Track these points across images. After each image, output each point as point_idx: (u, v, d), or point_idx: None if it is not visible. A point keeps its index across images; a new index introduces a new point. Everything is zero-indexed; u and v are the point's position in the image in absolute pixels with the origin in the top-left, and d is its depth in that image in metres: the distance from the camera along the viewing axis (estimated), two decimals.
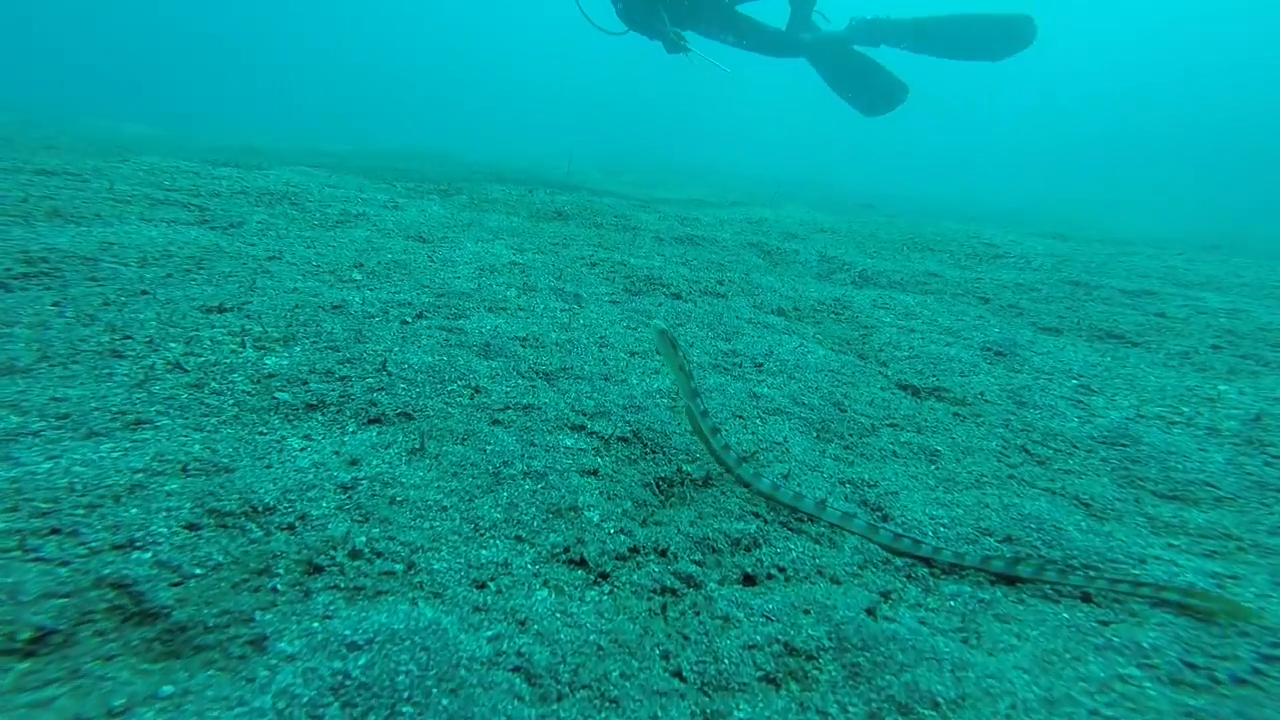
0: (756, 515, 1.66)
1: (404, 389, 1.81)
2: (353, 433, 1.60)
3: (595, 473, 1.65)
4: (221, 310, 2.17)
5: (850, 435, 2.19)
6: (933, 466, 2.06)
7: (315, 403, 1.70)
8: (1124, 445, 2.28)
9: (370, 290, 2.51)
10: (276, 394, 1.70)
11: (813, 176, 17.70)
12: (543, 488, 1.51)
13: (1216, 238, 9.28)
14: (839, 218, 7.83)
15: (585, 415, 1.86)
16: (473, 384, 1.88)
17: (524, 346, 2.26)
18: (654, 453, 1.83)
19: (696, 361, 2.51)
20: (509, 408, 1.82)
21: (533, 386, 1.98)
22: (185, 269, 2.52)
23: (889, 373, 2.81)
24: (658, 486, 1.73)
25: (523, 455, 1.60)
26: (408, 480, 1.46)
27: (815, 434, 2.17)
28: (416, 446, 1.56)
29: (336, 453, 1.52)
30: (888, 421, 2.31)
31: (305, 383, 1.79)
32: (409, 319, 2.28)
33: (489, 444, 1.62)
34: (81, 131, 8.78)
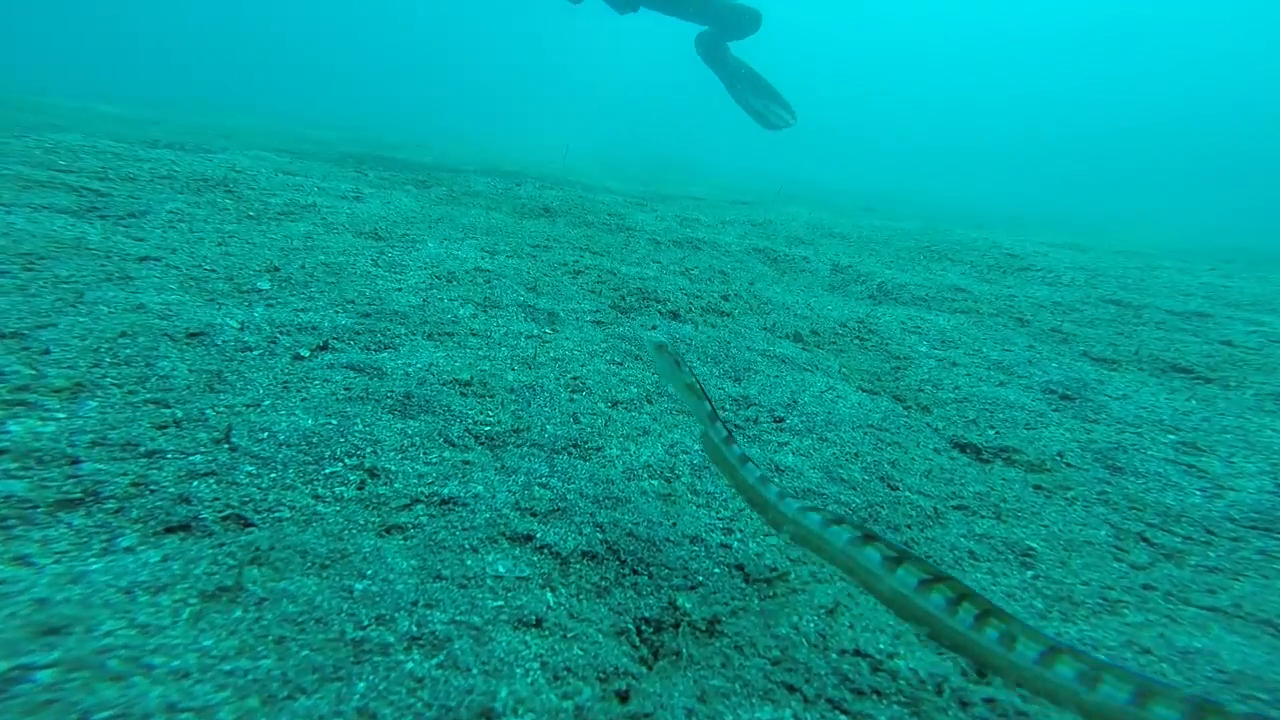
0: (791, 689, 1.03)
1: (249, 475, 1.12)
2: (124, 550, 0.92)
3: (539, 623, 1.00)
4: None
5: (908, 526, 1.56)
6: (1030, 574, 1.44)
7: (77, 496, 1.02)
8: None
9: (269, 307, 1.82)
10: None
11: (805, 175, 17.03)
12: (439, 667, 0.86)
13: (1227, 250, 8.71)
14: (845, 220, 7.17)
15: (535, 515, 1.21)
16: (367, 464, 1.22)
17: (464, 395, 1.60)
18: (634, 574, 1.19)
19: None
20: (418, 503, 1.16)
21: (464, 464, 1.32)
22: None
23: (937, 423, 2.17)
24: (639, 635, 1.09)
25: (417, 599, 0.95)
26: (177, 656, 0.78)
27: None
28: (227, 584, 0.89)
29: (54, 594, 0.84)
30: (954, 503, 1.68)
31: (74, 461, 1.09)
32: (305, 352, 1.60)
33: (364, 576, 0.96)
34: (39, 109, 7.95)
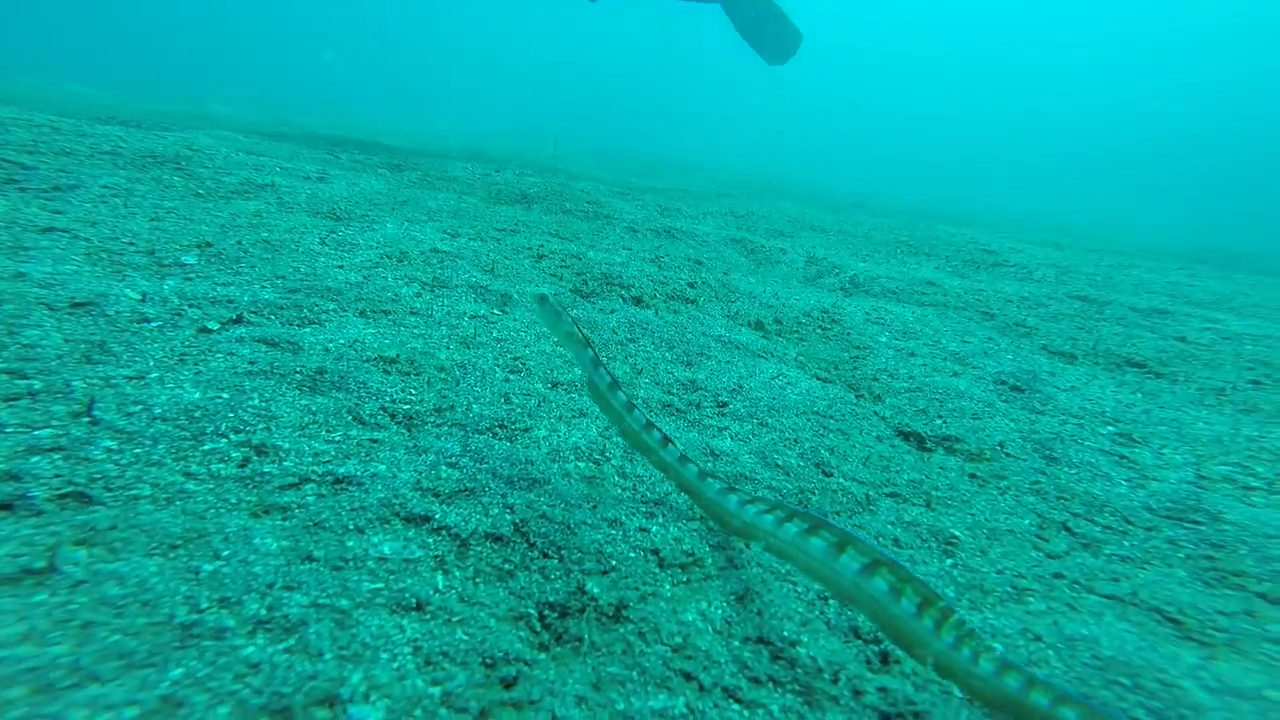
0: (688, 676, 1.00)
1: (107, 450, 1.05)
2: None
3: (420, 607, 0.95)
4: None
5: (837, 512, 1.53)
6: (950, 563, 1.42)
7: None
8: (1196, 522, 1.66)
9: (186, 280, 1.73)
10: None
11: (803, 175, 16.95)
12: (286, 653, 0.80)
13: (1202, 251, 8.81)
14: (830, 215, 7.13)
15: (438, 496, 1.16)
16: (255, 440, 1.15)
17: (388, 372, 1.53)
18: (544, 557, 1.15)
19: (643, 397, 1.82)
20: (307, 482, 1.09)
21: (371, 442, 1.26)
22: None
23: (886, 413, 2.15)
24: (541, 620, 1.05)
25: (275, 581, 0.89)
26: None
27: (788, 512, 1.50)
28: (35, 567, 0.81)
29: None
30: (887, 490, 1.66)
31: None
32: (214, 325, 1.52)
33: (219, 558, 0.90)
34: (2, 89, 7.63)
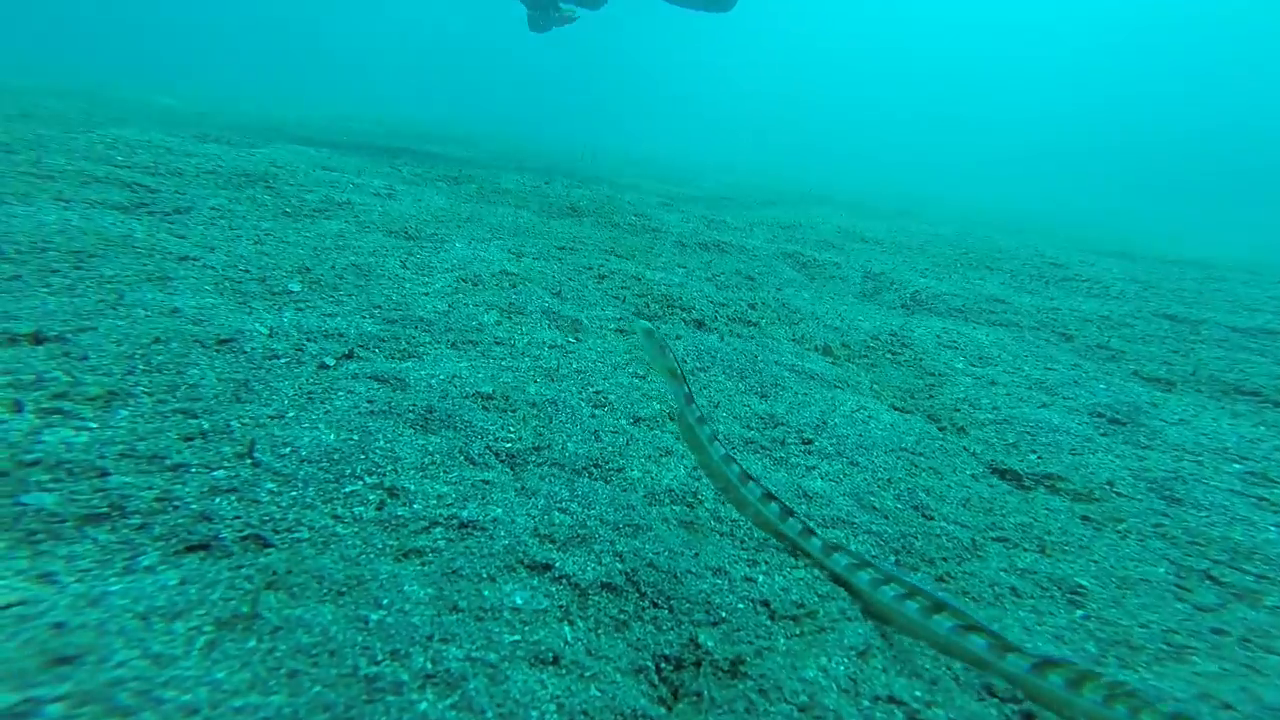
0: None
1: (270, 492, 1.10)
2: (144, 570, 0.92)
3: (556, 661, 0.96)
4: (37, 340, 1.44)
5: (944, 559, 1.46)
6: (1080, 614, 1.33)
7: (102, 511, 1.01)
8: None
9: (299, 311, 1.83)
10: (30, 494, 1.03)
11: (835, 177, 16.52)
12: (453, 709, 0.83)
13: (1263, 259, 8.04)
14: (878, 224, 6.92)
15: (554, 543, 1.17)
16: (387, 483, 1.19)
17: (486, 409, 1.57)
18: (654, 607, 1.14)
19: (723, 432, 1.80)
20: (436, 525, 1.13)
21: (484, 484, 1.29)
22: (52, 268, 1.86)
23: (975, 447, 2.04)
24: (659, 674, 1.04)
25: (433, 633, 0.92)
26: (188, 689, 0.76)
27: (894, 557, 1.44)
28: (243, 611, 0.89)
29: (71, 618, 0.84)
30: (994, 534, 1.57)
31: (102, 474, 1.08)
32: (331, 361, 1.59)
33: (380, 605, 0.94)
34: (98, 100, 8.34)
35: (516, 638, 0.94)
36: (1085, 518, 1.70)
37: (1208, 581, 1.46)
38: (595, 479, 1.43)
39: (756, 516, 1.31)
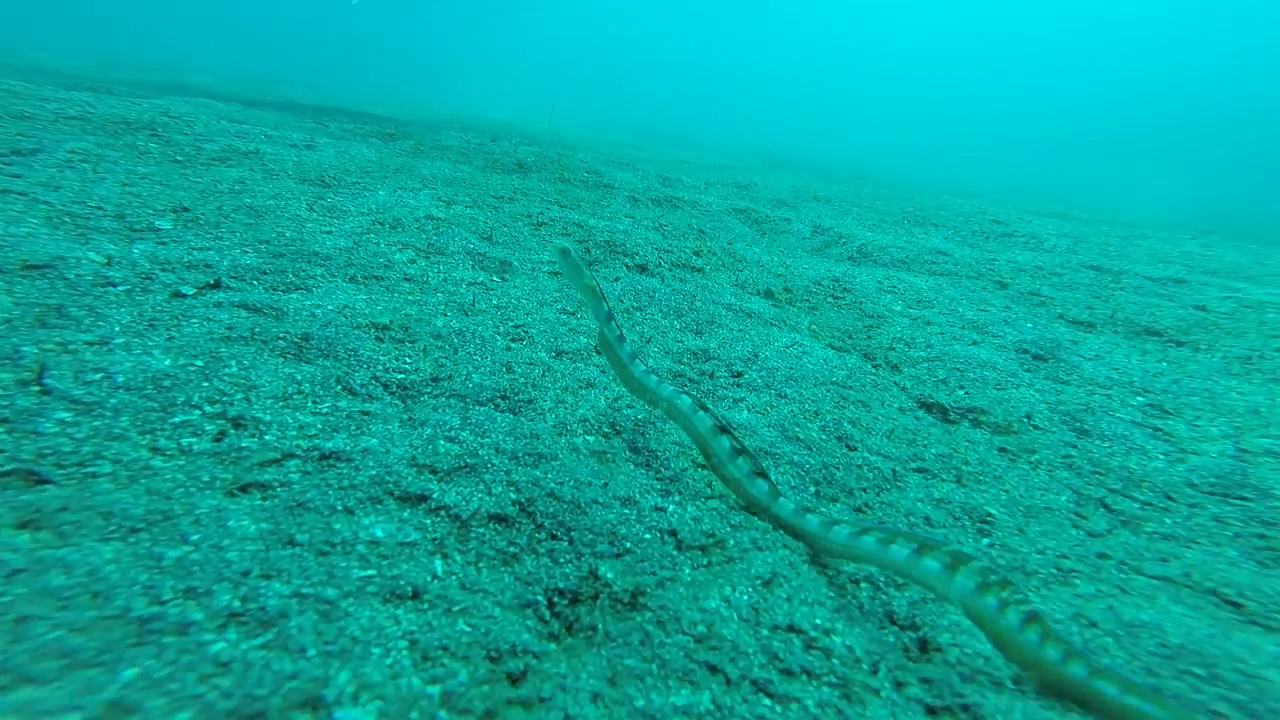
0: (714, 669, 0.89)
1: (61, 423, 0.91)
2: None
3: (417, 595, 0.83)
4: None
5: (864, 489, 1.41)
6: (986, 542, 1.31)
7: None
8: (1243, 498, 1.55)
9: (160, 245, 1.55)
10: None
11: (800, 149, 16.40)
12: (262, 649, 0.68)
13: (1209, 223, 8.55)
14: (831, 186, 6.86)
15: (436, 472, 1.03)
16: (233, 412, 1.02)
17: (380, 339, 1.38)
18: (553, 539, 1.03)
19: (653, 366, 1.68)
20: (291, 458, 0.96)
21: (362, 414, 1.12)
22: None
23: (905, 382, 2.01)
24: (551, 608, 0.94)
25: (251, 569, 0.75)
26: None
27: (814, 488, 1.38)
28: None
29: None
30: (914, 464, 1.53)
31: None
32: (189, 290, 1.35)
33: (186, 542, 0.76)
34: None
35: (370, 573, 0.81)
36: (1003, 449, 1.69)
37: (1102, 509, 1.48)
38: (500, 410, 1.28)
39: (688, 429, 1.27)
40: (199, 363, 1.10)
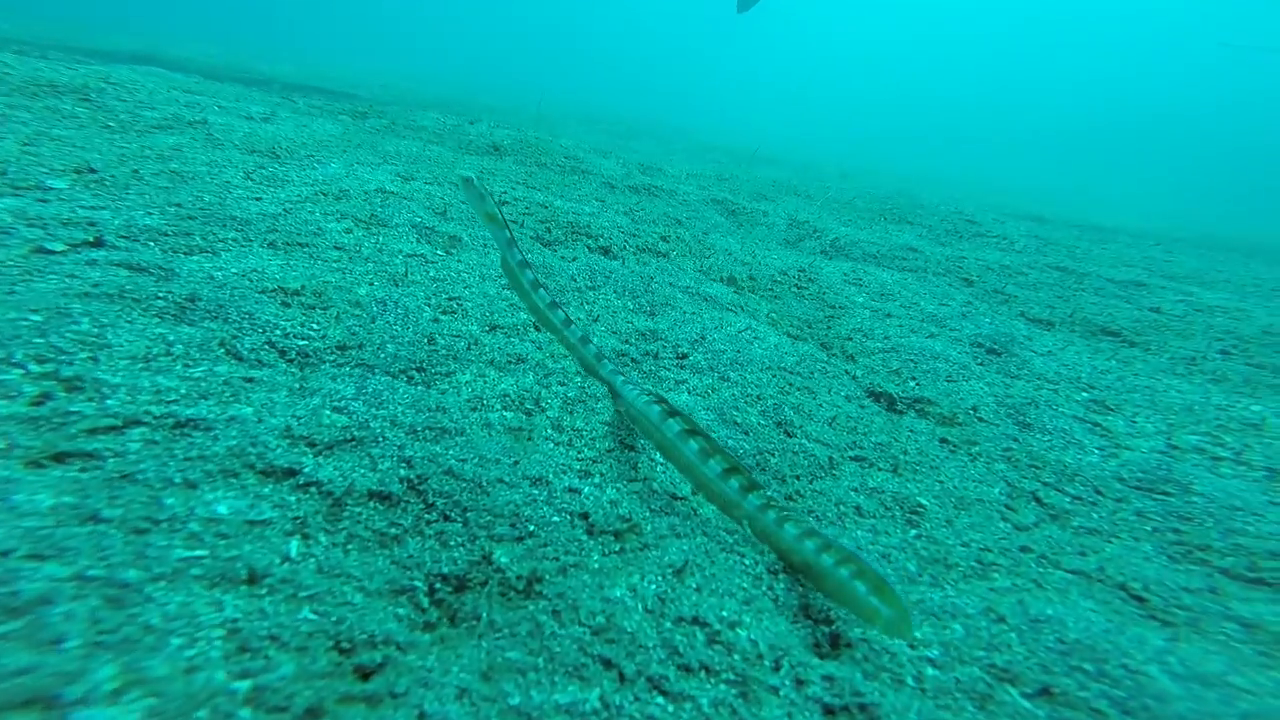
0: (608, 664, 0.81)
1: None
2: None
3: (254, 579, 0.72)
4: None
5: (797, 477, 1.34)
6: (913, 533, 1.25)
7: None
8: (1166, 494, 1.52)
9: (40, 203, 1.37)
10: None
11: (792, 147, 16.33)
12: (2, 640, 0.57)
13: (1181, 232, 8.70)
14: (813, 181, 6.80)
15: (313, 445, 0.92)
16: (67, 372, 0.86)
17: (286, 304, 1.26)
18: (445, 520, 0.93)
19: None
20: (136, 425, 0.84)
21: (244, 381, 1.00)
22: None
23: (858, 372, 1.95)
24: (430, 596, 0.84)
25: (16, 548, 0.64)
26: None
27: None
28: None
29: None
30: (853, 453, 1.47)
31: None
32: (57, 246, 1.19)
33: None
34: None
35: (198, 553, 0.70)
36: (944, 440, 1.63)
37: (1033, 503, 1.43)
38: (412, 383, 1.17)
39: (563, 341, 1.33)
40: (36, 318, 0.96)
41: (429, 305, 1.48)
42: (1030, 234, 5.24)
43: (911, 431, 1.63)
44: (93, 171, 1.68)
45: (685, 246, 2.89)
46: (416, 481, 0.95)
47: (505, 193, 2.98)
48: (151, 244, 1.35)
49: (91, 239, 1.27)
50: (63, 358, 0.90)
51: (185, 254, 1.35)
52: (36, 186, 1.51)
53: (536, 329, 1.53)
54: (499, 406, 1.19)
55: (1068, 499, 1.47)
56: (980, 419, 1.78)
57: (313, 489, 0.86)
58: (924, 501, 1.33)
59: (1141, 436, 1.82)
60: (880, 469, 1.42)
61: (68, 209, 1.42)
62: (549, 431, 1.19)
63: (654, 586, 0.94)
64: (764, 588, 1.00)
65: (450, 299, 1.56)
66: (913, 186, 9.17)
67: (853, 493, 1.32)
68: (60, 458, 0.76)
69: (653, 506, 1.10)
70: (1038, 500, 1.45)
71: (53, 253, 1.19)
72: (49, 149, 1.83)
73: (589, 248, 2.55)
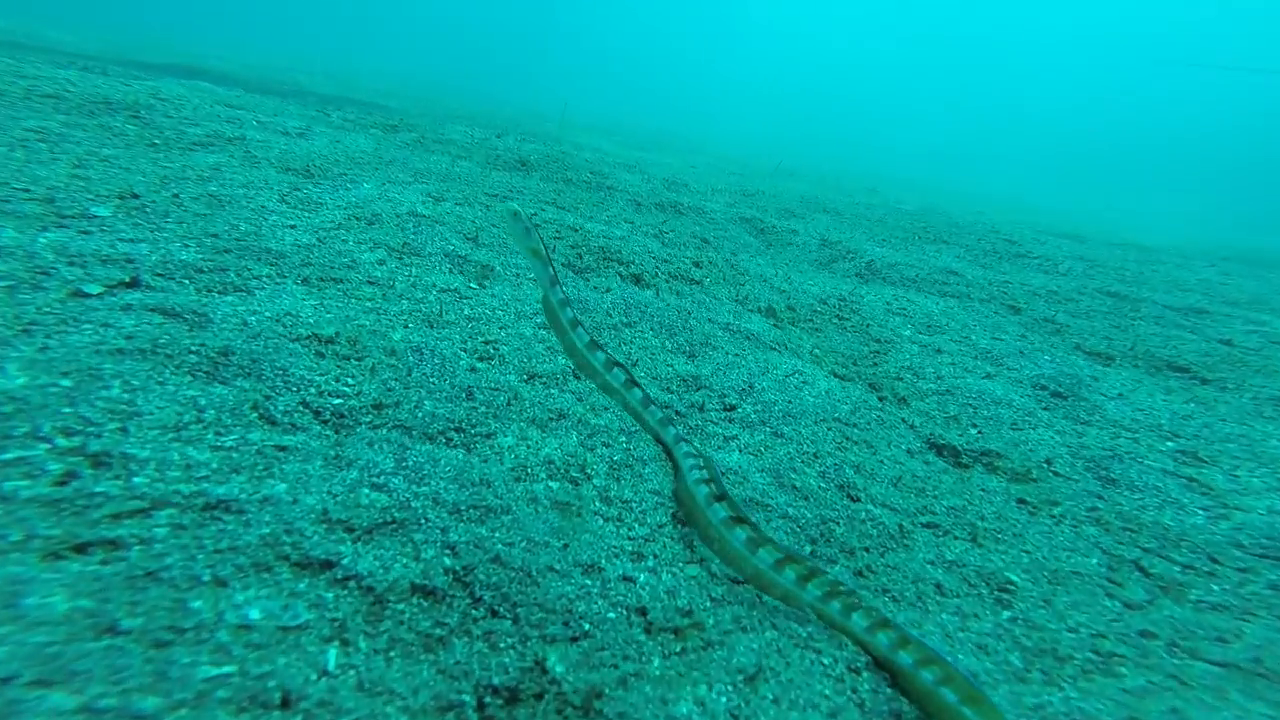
0: None
1: None
2: None
3: (287, 702, 0.63)
4: None
5: (866, 549, 1.21)
6: (1007, 616, 1.11)
7: None
8: None
9: (81, 235, 1.33)
10: None
11: (816, 159, 16.16)
12: None
13: (1223, 250, 8.28)
14: (842, 197, 6.65)
15: (351, 531, 0.83)
16: (94, 446, 0.78)
17: (320, 354, 1.19)
18: (494, 617, 0.83)
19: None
20: (163, 507, 0.75)
21: (279, 450, 0.93)
22: None
23: (914, 419, 1.81)
24: (481, 711, 0.74)
25: (19, 674, 0.56)
26: None
27: (811, 546, 1.18)
28: None
29: None
30: (924, 519, 1.33)
31: None
32: (94, 289, 1.14)
33: None
34: None
35: (226, 670, 0.61)
36: (1021, 500, 1.49)
37: (1138, 573, 1.27)
38: (450, 446, 1.09)
39: (624, 404, 1.32)
40: (66, 382, 0.90)
41: (465, 351, 1.40)
42: (1073, 255, 5.00)
43: (984, 491, 1.49)
44: (135, 197, 1.66)
45: (718, 272, 2.78)
46: (462, 573, 0.85)
47: (535, 214, 2.92)
48: (187, 282, 1.30)
49: (128, 279, 1.22)
50: (90, 429, 0.84)
51: (220, 293, 1.30)
52: (81, 215, 1.48)
53: (576, 377, 1.43)
54: (544, 475, 1.09)
55: (1177, 568, 1.31)
56: (1056, 474, 1.62)
57: (351, 584, 0.77)
58: (1013, 577, 1.19)
59: (1251, 494, 1.63)
60: (957, 537, 1.28)
61: (108, 243, 1.38)
62: (597, 504, 1.09)
63: (724, 699, 0.82)
64: (848, 691, 0.88)
65: (486, 343, 1.48)
66: (939, 201, 8.93)
67: (929, 566, 1.18)
68: (81, 548, 0.68)
69: (714, 594, 0.99)
70: (1143, 571, 1.29)
71: (89, 295, 1.14)
72: (97, 171, 1.82)
73: (621, 275, 2.47)
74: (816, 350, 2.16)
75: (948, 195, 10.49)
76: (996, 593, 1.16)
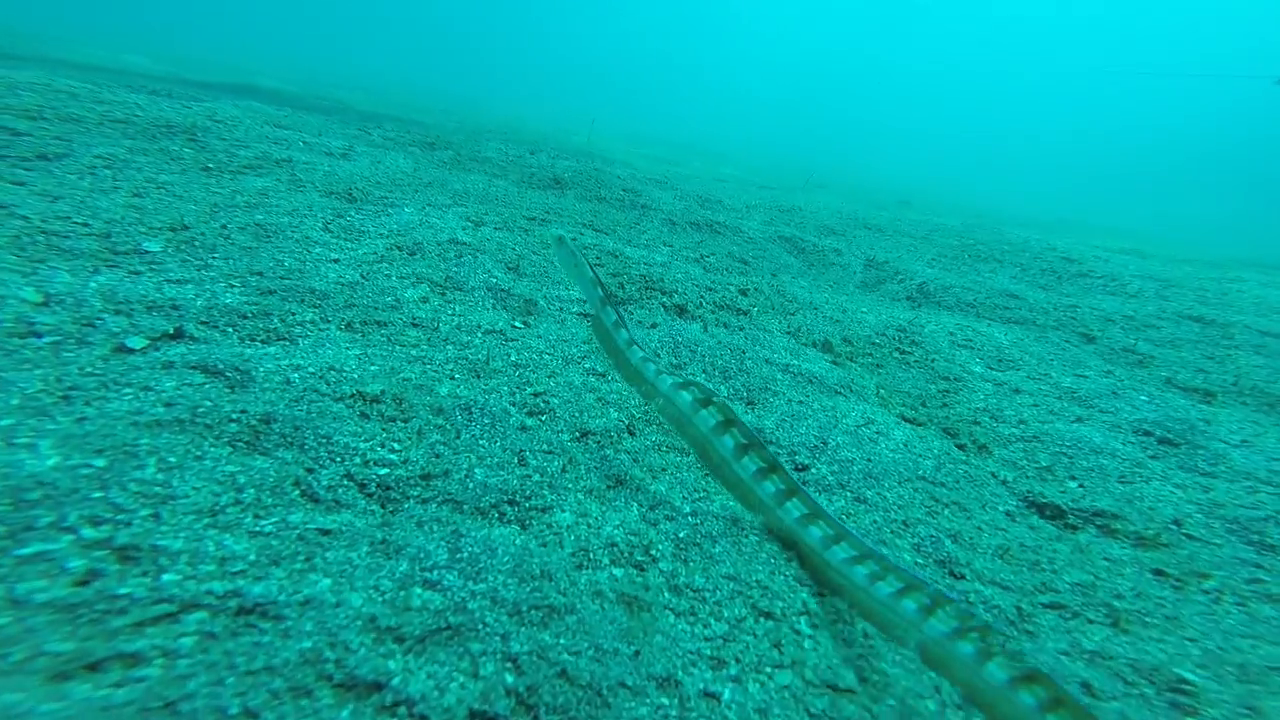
0: None
1: None
2: None
3: None
4: None
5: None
6: None
7: None
8: None
9: (131, 276, 1.29)
10: None
11: (842, 168, 15.83)
12: None
13: (1265, 258, 7.59)
14: (880, 213, 6.41)
15: (402, 641, 0.72)
16: (122, 539, 0.68)
17: (365, 416, 1.10)
18: None
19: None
20: (192, 610, 0.65)
21: (322, 535, 0.83)
22: None
23: (1003, 472, 1.61)
24: None
25: None
26: None
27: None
28: None
29: None
30: (1044, 598, 1.14)
31: None
32: (138, 343, 1.08)
33: None
34: (40, 59, 7.52)
35: None
36: (1159, 571, 1.27)
37: None
38: (504, 523, 0.97)
39: (694, 437, 1.24)
40: (100, 461, 0.82)
41: (514, 405, 1.29)
42: (1141, 273, 4.63)
43: (1108, 560, 1.28)
44: (185, 229, 1.64)
45: (765, 300, 2.63)
46: (526, 694, 0.72)
47: (576, 238, 2.84)
48: (230, 330, 1.24)
49: (172, 330, 1.17)
50: (120, 517, 0.75)
51: (263, 343, 1.24)
52: (134, 250, 1.46)
53: (631, 434, 1.31)
54: (607, 561, 0.96)
55: None
56: (1189, 536, 1.40)
57: (402, 710, 0.65)
58: (1186, 674, 0.98)
59: None
60: (1093, 621, 1.09)
61: (155, 286, 1.34)
62: (666, 595, 0.95)
63: None
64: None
65: (536, 395, 1.37)
66: (978, 216, 8.53)
67: (1066, 659, 0.99)
68: (95, 666, 0.58)
69: (813, 710, 0.84)
70: None
71: (130, 351, 1.08)
72: (152, 200, 1.82)
73: (665, 306, 2.34)
74: (882, 390, 1.98)
75: (982, 211, 10.04)
76: (1169, 693, 0.96)
